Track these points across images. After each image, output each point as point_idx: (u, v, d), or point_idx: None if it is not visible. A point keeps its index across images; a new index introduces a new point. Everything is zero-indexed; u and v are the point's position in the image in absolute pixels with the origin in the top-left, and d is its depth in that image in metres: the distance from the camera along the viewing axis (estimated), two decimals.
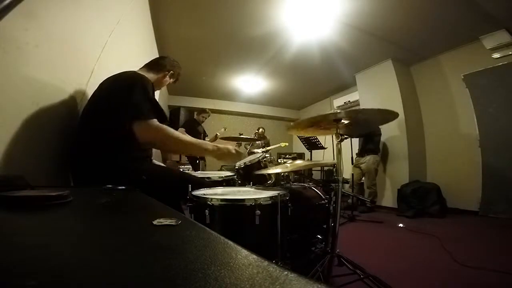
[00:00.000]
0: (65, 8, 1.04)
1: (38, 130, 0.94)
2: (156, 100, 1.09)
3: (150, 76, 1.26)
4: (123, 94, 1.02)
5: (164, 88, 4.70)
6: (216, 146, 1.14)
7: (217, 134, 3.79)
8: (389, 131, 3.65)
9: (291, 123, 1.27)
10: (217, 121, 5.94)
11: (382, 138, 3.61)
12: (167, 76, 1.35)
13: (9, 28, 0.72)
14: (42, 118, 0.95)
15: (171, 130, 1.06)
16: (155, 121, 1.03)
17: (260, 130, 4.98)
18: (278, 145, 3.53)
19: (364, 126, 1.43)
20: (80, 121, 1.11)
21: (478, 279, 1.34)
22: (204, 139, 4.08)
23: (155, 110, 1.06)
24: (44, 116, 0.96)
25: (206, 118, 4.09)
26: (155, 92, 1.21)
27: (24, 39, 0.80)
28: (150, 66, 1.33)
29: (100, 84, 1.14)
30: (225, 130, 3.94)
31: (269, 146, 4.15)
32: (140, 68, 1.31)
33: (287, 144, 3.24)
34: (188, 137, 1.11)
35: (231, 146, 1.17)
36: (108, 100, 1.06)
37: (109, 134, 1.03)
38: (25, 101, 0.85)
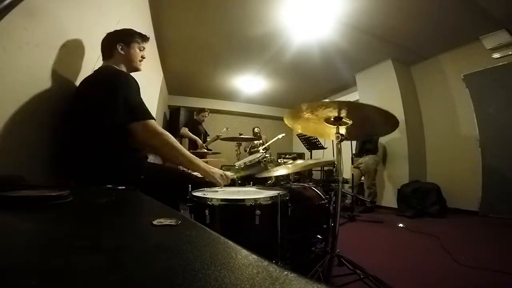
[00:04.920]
0: (65, 8, 1.04)
1: (38, 130, 0.94)
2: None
3: (119, 65, 1.17)
4: (114, 93, 1.01)
5: (164, 88, 4.70)
6: (209, 167, 1.14)
7: (218, 135, 3.77)
8: None
9: (301, 106, 1.14)
10: (218, 121, 5.94)
11: (382, 138, 3.60)
12: (123, 50, 1.16)
13: (9, 28, 0.72)
14: (43, 118, 0.95)
15: (172, 137, 1.07)
16: (153, 122, 1.05)
17: (256, 129, 4.97)
18: (276, 137, 3.52)
19: (365, 129, 1.41)
20: (76, 120, 1.06)
21: (478, 279, 1.33)
22: (206, 140, 4.09)
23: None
24: (45, 116, 0.97)
25: (205, 117, 4.12)
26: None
27: (25, 38, 0.80)
28: (106, 56, 1.19)
29: (81, 83, 1.10)
30: (227, 129, 3.93)
31: (267, 142, 4.14)
32: (103, 63, 1.19)
33: (284, 134, 3.26)
34: (185, 150, 1.11)
35: (221, 172, 1.16)
36: (99, 99, 1.03)
37: (107, 133, 1.03)
38: (25, 100, 0.85)
